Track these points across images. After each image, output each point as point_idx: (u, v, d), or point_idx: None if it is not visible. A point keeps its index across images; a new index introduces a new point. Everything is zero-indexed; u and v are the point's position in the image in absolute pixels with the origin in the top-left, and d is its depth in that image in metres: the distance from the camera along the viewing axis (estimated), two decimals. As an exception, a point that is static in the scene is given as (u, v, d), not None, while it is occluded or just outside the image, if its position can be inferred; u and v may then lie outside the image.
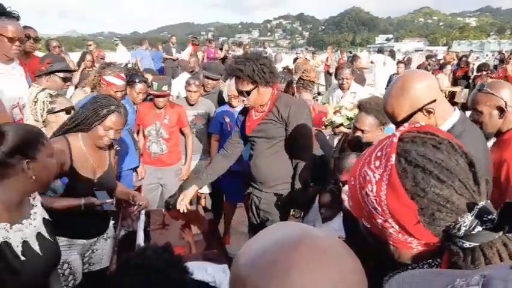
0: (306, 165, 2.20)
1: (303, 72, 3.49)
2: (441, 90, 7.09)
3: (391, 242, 0.65)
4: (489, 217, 0.56)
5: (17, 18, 2.28)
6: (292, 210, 2.19)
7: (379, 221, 0.64)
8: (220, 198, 3.59)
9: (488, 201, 0.60)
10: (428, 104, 1.27)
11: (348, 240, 1.99)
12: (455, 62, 9.19)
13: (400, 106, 1.29)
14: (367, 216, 0.66)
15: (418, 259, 0.65)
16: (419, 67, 8.17)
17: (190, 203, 3.72)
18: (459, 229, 0.57)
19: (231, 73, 2.19)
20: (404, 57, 12.39)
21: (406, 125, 0.69)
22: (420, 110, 1.28)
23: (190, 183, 2.49)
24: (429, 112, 1.28)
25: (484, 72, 7.23)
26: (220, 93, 3.85)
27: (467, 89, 7.72)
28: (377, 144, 0.69)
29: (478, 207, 0.57)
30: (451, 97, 7.18)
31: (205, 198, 3.88)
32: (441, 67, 8.23)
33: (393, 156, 0.62)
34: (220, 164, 2.47)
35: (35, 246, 1.20)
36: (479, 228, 0.56)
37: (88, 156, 1.84)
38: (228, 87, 3.31)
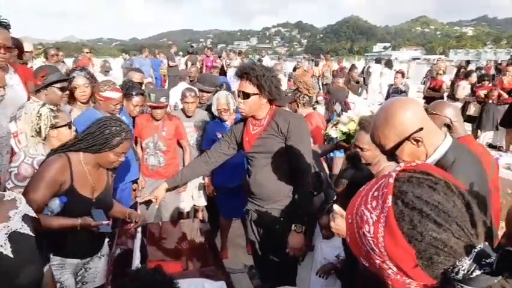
0: (308, 179, 2.18)
1: (302, 86, 3.48)
2: (458, 99, 7.07)
3: (389, 282, 0.65)
4: (487, 261, 0.56)
5: (6, 26, 2.26)
6: (293, 225, 2.18)
7: (377, 261, 0.64)
8: (217, 211, 3.58)
9: (487, 243, 0.59)
10: (415, 132, 1.23)
11: (349, 259, 1.99)
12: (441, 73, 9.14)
13: (386, 137, 1.26)
14: (365, 255, 0.66)
15: None
16: (484, 75, 7.99)
17: (188, 216, 3.73)
18: (457, 273, 0.57)
19: (239, 73, 2.16)
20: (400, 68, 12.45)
21: (402, 164, 0.68)
22: (407, 139, 1.24)
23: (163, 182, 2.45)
24: (417, 141, 1.24)
25: (486, 83, 7.27)
26: (210, 106, 3.69)
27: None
28: (373, 182, 0.69)
29: (476, 250, 0.57)
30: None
31: (202, 211, 3.86)
32: (466, 76, 8.19)
33: (390, 197, 0.62)
34: (199, 168, 2.46)
35: (5, 249, 1.12)
36: (478, 272, 0.56)
37: (87, 175, 1.82)
38: (217, 100, 3.25)
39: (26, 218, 1.23)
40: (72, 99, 2.94)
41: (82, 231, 1.71)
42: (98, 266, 1.98)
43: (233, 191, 2.96)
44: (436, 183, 0.63)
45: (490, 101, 6.81)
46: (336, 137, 2.89)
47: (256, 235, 2.40)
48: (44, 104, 2.11)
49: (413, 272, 0.60)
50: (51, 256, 1.76)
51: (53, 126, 2.04)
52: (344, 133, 2.80)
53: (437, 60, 13.76)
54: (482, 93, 6.97)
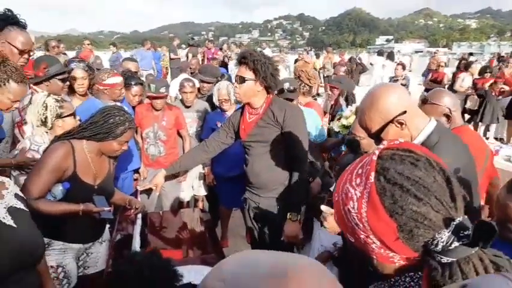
0: (304, 168, 2.21)
1: (303, 75, 3.48)
2: (457, 91, 7.02)
3: (374, 256, 0.67)
4: (465, 233, 0.58)
5: (25, 26, 2.24)
6: (289, 213, 2.21)
7: (362, 236, 0.66)
8: (217, 201, 3.61)
9: (466, 216, 0.62)
10: (398, 115, 1.28)
11: (346, 246, 2.02)
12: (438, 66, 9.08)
13: (371, 119, 1.32)
14: (351, 231, 0.69)
15: (400, 272, 0.67)
16: (486, 67, 7.98)
17: (188, 206, 3.77)
18: (437, 245, 0.59)
19: (238, 59, 2.21)
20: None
21: (385, 142, 0.70)
22: (391, 121, 1.29)
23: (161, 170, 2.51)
24: (400, 123, 1.30)
25: (488, 75, 7.23)
26: (210, 96, 3.76)
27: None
28: (358, 161, 0.72)
29: (455, 223, 0.59)
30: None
31: (202, 200, 3.90)
32: (466, 67, 8.16)
33: (373, 174, 0.64)
34: (198, 157, 2.52)
35: (7, 221, 1.19)
36: (456, 243, 0.58)
37: (89, 162, 1.85)
38: (218, 91, 3.28)
39: (17, 196, 1.29)
40: (70, 90, 2.97)
41: (83, 217, 1.75)
42: (99, 251, 2.03)
43: (233, 180, 2.98)
44: (418, 159, 0.65)
45: (492, 93, 6.77)
46: (339, 131, 2.91)
47: (254, 223, 2.44)
48: (49, 95, 2.14)
49: (395, 245, 0.63)
50: (53, 240, 1.80)
51: (59, 116, 2.08)
52: (345, 127, 2.82)
53: (435, 53, 13.66)
54: (486, 85, 6.93)
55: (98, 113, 1.85)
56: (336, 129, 2.90)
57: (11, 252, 1.18)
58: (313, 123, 3.06)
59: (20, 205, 1.27)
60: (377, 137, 1.34)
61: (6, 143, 2.25)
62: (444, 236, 0.59)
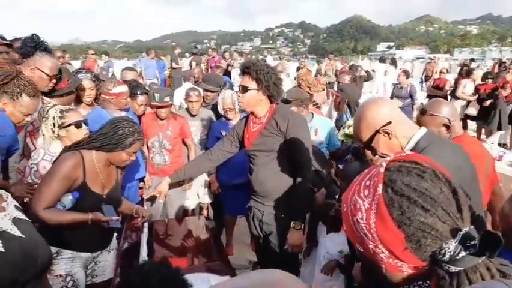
0: (307, 176, 2.22)
1: (304, 84, 3.51)
2: (459, 98, 7.01)
3: (383, 266, 0.69)
4: (472, 243, 0.60)
5: (51, 51, 2.34)
6: (292, 222, 2.21)
7: (370, 246, 0.68)
8: (222, 208, 3.63)
9: (472, 226, 0.63)
10: (384, 126, 1.36)
11: (353, 254, 2.02)
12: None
13: (361, 130, 1.42)
14: (359, 241, 0.70)
15: (409, 281, 0.68)
16: (488, 73, 8.07)
17: (193, 213, 3.78)
18: (444, 255, 0.61)
19: (241, 69, 2.27)
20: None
21: (392, 154, 0.73)
22: (378, 132, 1.37)
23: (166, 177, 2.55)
24: (387, 133, 1.37)
25: (490, 81, 7.22)
26: (215, 105, 3.81)
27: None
28: (366, 172, 0.73)
29: (461, 233, 0.61)
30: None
31: (207, 208, 3.91)
32: (468, 73, 8.20)
33: (380, 185, 0.66)
34: (202, 165, 2.56)
35: (15, 232, 1.20)
36: (463, 253, 0.60)
37: (98, 172, 1.88)
38: (222, 100, 3.32)
39: (17, 207, 1.31)
40: (77, 99, 3.02)
41: (92, 226, 1.78)
42: (107, 259, 2.04)
43: (237, 188, 3.00)
44: (424, 171, 0.67)
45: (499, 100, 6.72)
46: (342, 140, 2.92)
47: (258, 232, 2.45)
48: (54, 105, 2.18)
49: (404, 255, 0.64)
50: (62, 249, 1.82)
51: (60, 126, 2.11)
52: (348, 135, 2.83)
53: (431, 59, 13.70)
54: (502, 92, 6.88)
55: (108, 124, 1.88)
56: (340, 138, 2.92)
57: (23, 263, 1.19)
58: (326, 130, 3.09)
59: (22, 216, 1.29)
60: (368, 146, 1.41)
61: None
62: (452, 246, 0.60)
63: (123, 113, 2.93)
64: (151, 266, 1.29)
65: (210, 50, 11.61)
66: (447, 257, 0.61)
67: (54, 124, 2.06)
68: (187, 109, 3.60)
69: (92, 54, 9.96)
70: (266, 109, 2.25)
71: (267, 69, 2.17)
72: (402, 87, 7.47)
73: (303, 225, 2.20)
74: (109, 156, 1.88)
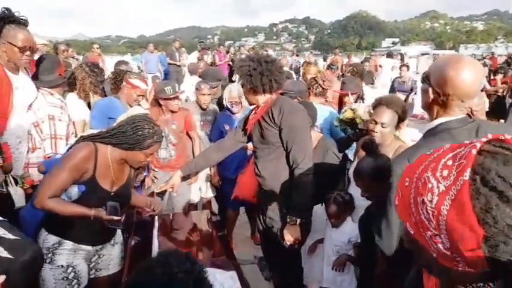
0: (303, 167, 2.11)
1: (320, 76, 3.46)
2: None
3: (435, 255, 0.60)
4: None
5: (25, 24, 2.20)
6: (288, 217, 2.17)
7: (428, 233, 0.58)
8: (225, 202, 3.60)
9: None
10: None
11: (363, 244, 1.98)
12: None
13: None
14: (414, 223, 0.61)
15: (463, 280, 0.60)
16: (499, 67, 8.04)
17: (196, 208, 3.76)
18: None
19: (235, 72, 2.31)
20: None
21: (489, 135, 0.59)
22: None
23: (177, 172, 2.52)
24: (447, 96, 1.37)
25: (501, 76, 7.12)
26: (220, 99, 3.78)
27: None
28: (448, 148, 0.60)
29: None
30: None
31: (210, 202, 3.89)
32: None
33: (468, 170, 0.54)
34: (212, 156, 2.52)
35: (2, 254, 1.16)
36: None
37: (110, 168, 1.82)
38: (228, 93, 3.29)
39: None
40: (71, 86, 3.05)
41: (93, 221, 1.73)
42: (111, 253, 2.00)
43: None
44: None
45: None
46: (337, 126, 2.87)
47: (262, 224, 2.43)
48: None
49: (470, 254, 0.54)
50: (64, 240, 1.80)
51: None
52: (340, 120, 2.77)
53: (436, 56, 13.57)
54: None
55: (128, 122, 1.81)
56: (336, 124, 2.84)
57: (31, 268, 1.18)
58: (323, 118, 3.02)
59: (4, 219, 1.29)
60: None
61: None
62: None
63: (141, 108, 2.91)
64: (176, 258, 1.15)
65: (218, 45, 11.59)
66: None
67: None
68: (197, 102, 3.57)
69: (98, 48, 9.89)
70: (264, 99, 2.19)
71: (253, 64, 2.08)
72: (404, 81, 7.38)
73: (298, 220, 2.14)
74: (125, 154, 1.82)
